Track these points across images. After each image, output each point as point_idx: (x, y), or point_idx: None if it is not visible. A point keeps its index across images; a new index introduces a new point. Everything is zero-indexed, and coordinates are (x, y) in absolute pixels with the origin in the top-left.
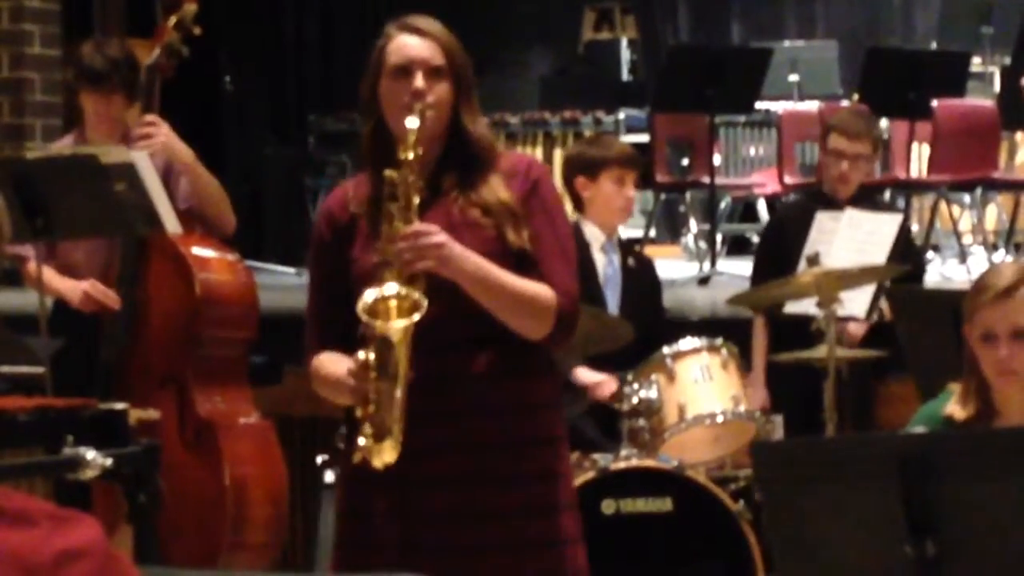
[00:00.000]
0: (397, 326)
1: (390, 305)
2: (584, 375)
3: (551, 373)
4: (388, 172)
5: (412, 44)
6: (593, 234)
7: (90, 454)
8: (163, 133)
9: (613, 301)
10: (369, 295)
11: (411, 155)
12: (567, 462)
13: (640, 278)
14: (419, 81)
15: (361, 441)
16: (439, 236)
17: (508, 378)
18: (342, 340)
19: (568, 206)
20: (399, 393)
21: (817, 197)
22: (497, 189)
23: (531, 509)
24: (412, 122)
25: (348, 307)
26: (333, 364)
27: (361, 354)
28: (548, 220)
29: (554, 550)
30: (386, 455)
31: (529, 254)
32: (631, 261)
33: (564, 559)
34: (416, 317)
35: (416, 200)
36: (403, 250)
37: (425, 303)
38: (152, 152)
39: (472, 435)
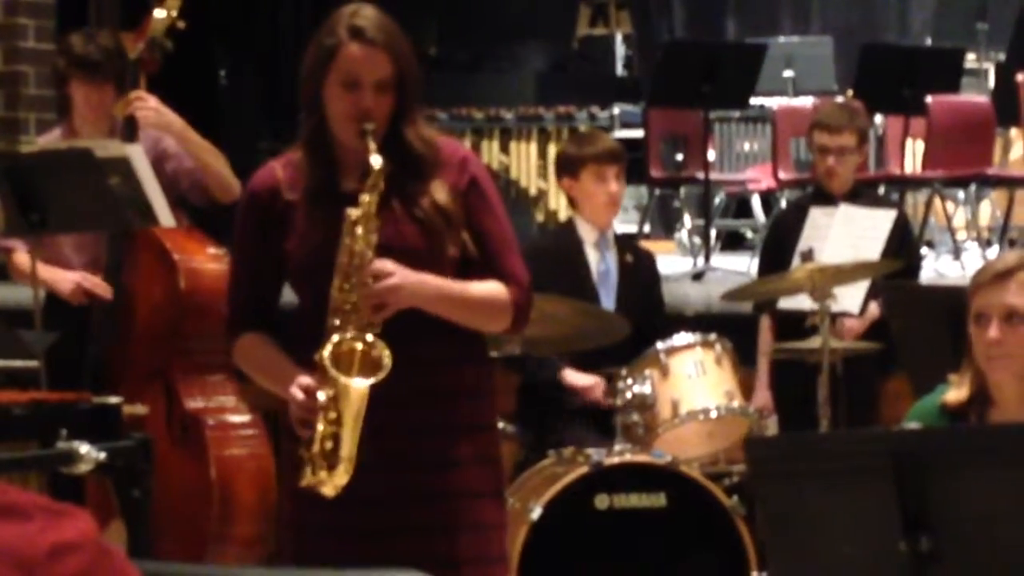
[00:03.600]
0: (358, 385)
1: (356, 348)
2: (573, 377)
3: (486, 362)
4: (350, 210)
5: (363, 58)
6: (586, 231)
7: (84, 448)
8: (152, 105)
9: (608, 298)
10: (336, 338)
11: (374, 196)
12: (499, 448)
13: (639, 273)
14: (368, 100)
15: (309, 474)
16: (396, 277)
17: (448, 365)
18: (265, 321)
19: (552, 203)
20: (351, 435)
21: (816, 194)
22: (435, 193)
23: (462, 493)
24: (376, 161)
25: (273, 290)
26: (266, 354)
27: (321, 395)
28: (491, 214)
29: (481, 535)
30: (337, 480)
31: (470, 257)
32: (629, 257)
33: (491, 543)
34: (379, 377)
35: (374, 239)
36: (366, 300)
37: (388, 364)
38: (150, 123)
39: (411, 420)
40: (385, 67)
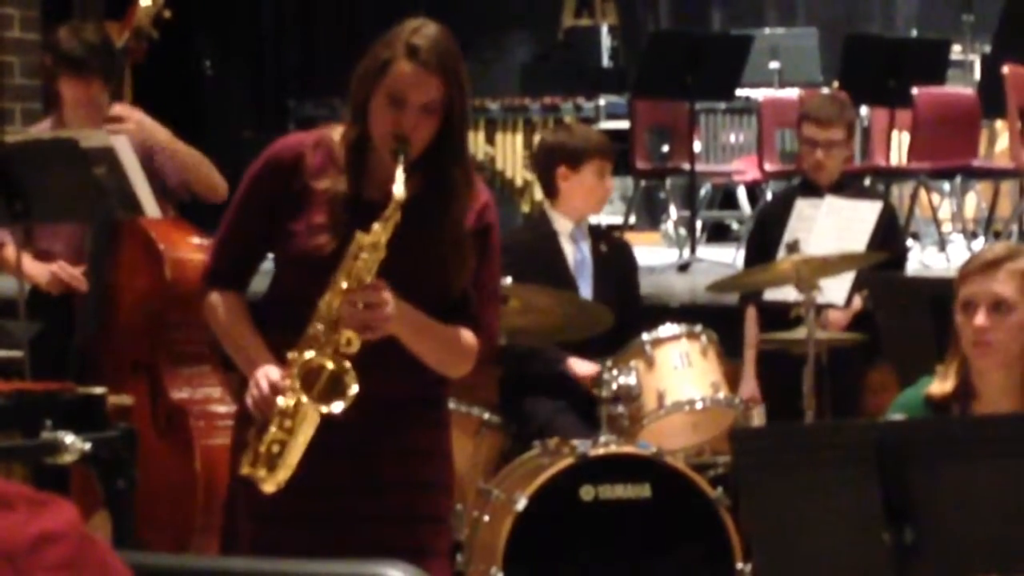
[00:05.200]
0: (316, 410)
1: (326, 367)
2: (577, 366)
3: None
4: (359, 235)
5: (412, 78)
6: (561, 223)
7: (68, 438)
8: (133, 120)
9: (586, 288)
10: (309, 354)
11: (387, 227)
12: (451, 444)
13: (615, 263)
14: (410, 120)
15: (249, 465)
16: (389, 305)
17: (406, 370)
18: (242, 282)
19: (538, 193)
20: (297, 449)
21: (803, 186)
22: (455, 238)
23: (415, 484)
24: (399, 191)
25: (259, 257)
26: (239, 323)
27: (282, 401)
28: (489, 264)
29: (431, 526)
30: (277, 479)
31: (459, 300)
32: (604, 247)
33: (439, 535)
34: (339, 407)
35: (375, 269)
36: (356, 320)
37: (353, 394)
38: (134, 138)
39: (368, 416)
40: (434, 91)
